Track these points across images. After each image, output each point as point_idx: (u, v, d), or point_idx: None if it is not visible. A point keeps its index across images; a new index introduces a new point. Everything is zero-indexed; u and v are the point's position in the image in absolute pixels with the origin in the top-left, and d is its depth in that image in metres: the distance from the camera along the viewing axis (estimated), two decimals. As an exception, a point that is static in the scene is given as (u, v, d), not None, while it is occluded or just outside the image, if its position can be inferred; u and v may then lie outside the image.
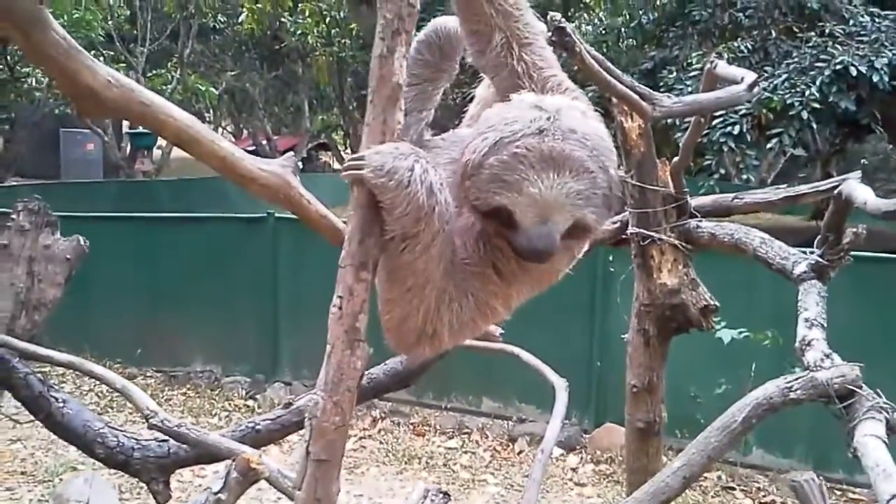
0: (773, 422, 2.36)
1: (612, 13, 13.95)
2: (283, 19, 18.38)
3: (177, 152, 22.00)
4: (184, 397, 8.64)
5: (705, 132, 7.24)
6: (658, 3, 12.76)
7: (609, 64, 1.86)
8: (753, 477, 6.90)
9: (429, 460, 7.26)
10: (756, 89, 2.10)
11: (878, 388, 2.05)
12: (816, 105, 9.67)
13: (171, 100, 1.59)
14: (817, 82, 9.77)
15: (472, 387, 8.18)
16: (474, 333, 1.74)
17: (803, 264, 2.69)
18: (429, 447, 7.55)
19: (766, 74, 9.96)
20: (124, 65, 19.45)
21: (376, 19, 1.48)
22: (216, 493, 1.96)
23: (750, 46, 10.99)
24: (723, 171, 10.31)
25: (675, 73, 11.16)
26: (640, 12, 12.92)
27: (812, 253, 2.70)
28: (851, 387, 2.05)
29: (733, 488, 6.76)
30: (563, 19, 1.72)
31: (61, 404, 3.15)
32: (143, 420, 2.76)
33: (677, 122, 9.28)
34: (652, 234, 3.52)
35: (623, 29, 13.29)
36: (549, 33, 1.74)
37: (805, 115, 9.66)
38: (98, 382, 7.01)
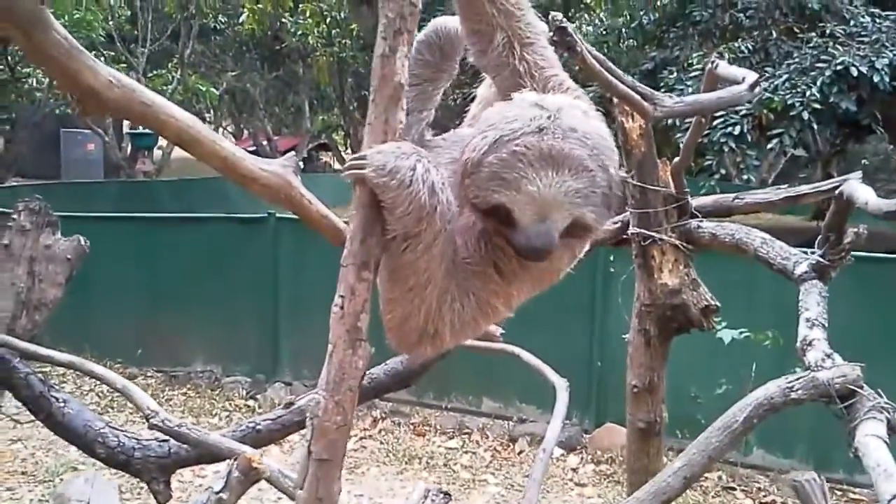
0: (773, 422, 2.36)
1: (613, 14, 13.95)
2: (283, 20, 18.40)
3: (177, 153, 22.05)
4: (184, 397, 8.64)
5: (706, 132, 7.24)
6: (659, 3, 12.77)
7: (610, 64, 1.86)
8: (754, 477, 6.90)
9: (429, 460, 7.26)
10: (757, 89, 2.10)
11: (879, 389, 2.05)
12: (817, 105, 9.67)
13: (172, 100, 1.59)
14: (818, 83, 9.77)
15: (473, 387, 8.18)
16: (476, 333, 1.74)
17: (804, 264, 2.69)
18: (429, 447, 7.55)
19: (766, 75, 9.95)
20: (125, 65, 19.46)
21: (377, 20, 1.48)
22: (217, 493, 1.96)
23: (751, 47, 11.00)
24: (723, 172, 10.31)
25: (675, 74, 11.15)
26: (641, 13, 12.93)
27: (813, 253, 2.70)
28: (852, 387, 2.05)
29: (734, 488, 6.76)
30: (565, 19, 1.72)
31: (62, 404, 3.15)
32: (144, 420, 2.76)
33: (678, 123, 9.29)
34: (653, 234, 3.52)
35: (624, 29, 13.30)
36: (551, 33, 1.74)
37: (806, 115, 9.66)
38: (98, 382, 7.02)
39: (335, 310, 1.50)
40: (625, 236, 3.67)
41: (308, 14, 17.38)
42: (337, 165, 28.34)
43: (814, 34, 10.78)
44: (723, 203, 3.57)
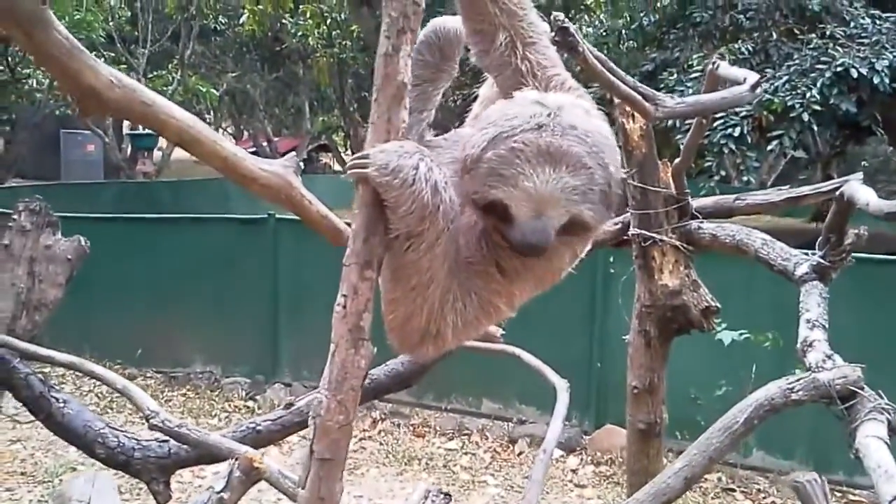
0: (773, 423, 2.36)
1: (613, 15, 13.97)
2: (283, 21, 18.42)
3: (177, 153, 22.10)
4: (183, 398, 8.64)
5: (706, 134, 7.24)
6: (659, 4, 12.78)
7: (612, 64, 1.86)
8: (754, 478, 6.90)
9: (429, 461, 7.25)
10: (759, 90, 2.11)
11: (879, 390, 2.06)
12: (817, 107, 9.68)
13: (172, 101, 1.58)
14: (818, 84, 9.78)
15: (473, 388, 8.17)
16: (478, 332, 1.73)
17: (805, 265, 2.70)
18: (429, 448, 7.55)
19: (766, 76, 9.96)
20: (125, 66, 19.46)
21: (377, 21, 1.49)
22: (219, 493, 1.96)
23: (751, 48, 11.01)
24: (723, 173, 10.32)
25: (675, 75, 11.17)
26: (641, 14, 12.95)
27: (814, 254, 2.70)
28: (853, 388, 2.05)
29: (734, 490, 6.75)
30: (566, 20, 1.72)
31: (62, 404, 3.15)
32: (144, 420, 2.76)
33: (678, 124, 9.30)
34: (653, 235, 3.53)
35: (624, 31, 13.32)
36: (553, 33, 1.74)
37: (806, 116, 9.67)
38: (98, 383, 7.01)
39: (338, 309, 1.50)
40: (625, 237, 3.68)
41: (308, 15, 17.40)
42: (337, 167, 28.34)
43: (814, 36, 10.80)
44: (723, 204, 3.58)
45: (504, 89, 1.72)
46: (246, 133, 31.67)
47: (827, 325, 2.40)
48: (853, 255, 2.68)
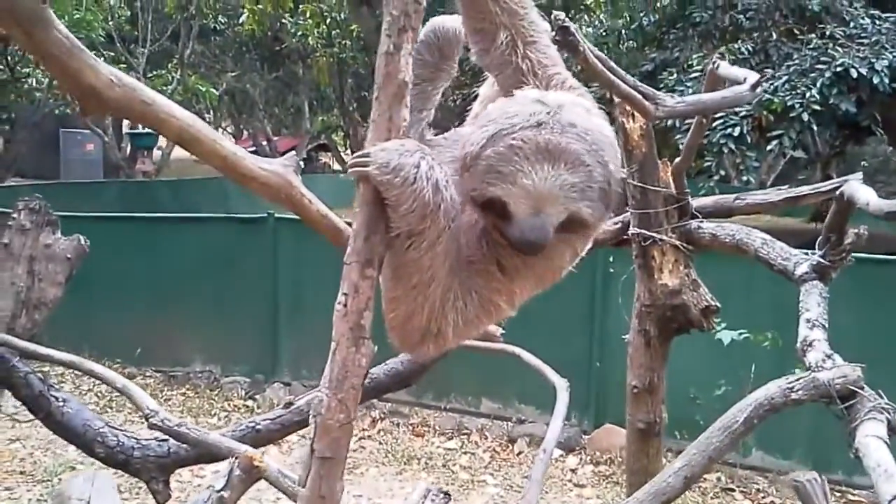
0: (772, 423, 2.36)
1: (613, 15, 13.97)
2: (283, 20, 18.41)
3: (177, 153, 22.10)
4: (183, 397, 8.64)
5: (706, 134, 7.25)
6: (659, 4, 12.78)
7: (612, 63, 1.86)
8: (753, 478, 6.90)
9: (428, 461, 7.25)
10: (759, 89, 2.11)
11: (879, 389, 2.06)
12: (817, 107, 9.68)
13: (172, 100, 1.58)
14: (818, 84, 9.79)
15: (472, 388, 8.18)
16: (478, 331, 1.73)
17: (805, 265, 2.70)
18: (428, 448, 7.55)
19: (767, 76, 9.95)
20: (125, 65, 19.42)
21: (377, 21, 1.49)
22: (219, 491, 1.96)
23: (750, 48, 11.02)
24: (723, 173, 10.32)
25: (675, 75, 11.17)
26: (641, 14, 12.94)
27: (813, 254, 2.70)
28: (853, 387, 2.05)
29: (733, 490, 6.76)
30: (567, 19, 1.72)
31: (61, 403, 3.15)
32: (143, 420, 2.76)
33: (677, 124, 9.30)
34: (653, 234, 3.53)
35: (624, 31, 13.32)
36: (553, 33, 1.74)
37: (805, 116, 9.67)
38: (97, 382, 7.01)
39: (338, 307, 1.50)
40: (625, 237, 3.68)
41: (308, 15, 17.38)
42: (336, 166, 28.32)
43: (814, 36, 10.80)
44: (723, 204, 3.58)
45: (505, 88, 1.72)
46: (245, 132, 31.66)
47: (827, 325, 2.40)
48: (853, 254, 2.68)
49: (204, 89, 19.74)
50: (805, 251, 2.83)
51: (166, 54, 22.26)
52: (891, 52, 9.90)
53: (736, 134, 9.76)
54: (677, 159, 3.60)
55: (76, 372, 6.18)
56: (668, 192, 3.56)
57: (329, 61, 18.29)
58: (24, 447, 7.09)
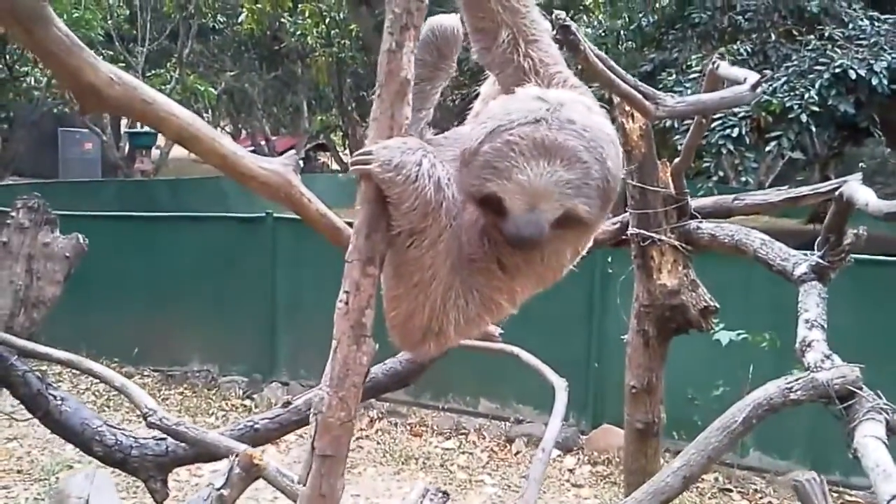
0: (770, 424, 2.36)
1: (612, 15, 13.95)
2: (282, 20, 18.40)
3: (175, 152, 22.11)
4: (181, 397, 8.63)
5: (704, 134, 7.26)
6: (657, 5, 12.77)
7: (612, 63, 1.86)
8: (751, 479, 6.90)
9: (426, 461, 7.25)
10: (759, 89, 2.11)
11: (878, 390, 2.06)
12: (815, 108, 9.68)
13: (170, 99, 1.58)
14: (816, 85, 9.79)
15: (470, 387, 8.18)
16: (479, 330, 1.73)
17: (804, 266, 2.70)
18: (426, 448, 7.55)
19: (766, 76, 9.96)
20: (123, 64, 19.41)
21: (376, 20, 1.49)
22: (218, 489, 1.96)
23: (749, 49, 11.02)
24: (721, 174, 10.32)
25: (674, 76, 11.17)
26: (640, 15, 12.93)
27: (812, 254, 2.70)
28: (852, 388, 2.05)
29: (730, 490, 6.76)
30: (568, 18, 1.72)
31: (59, 402, 3.15)
32: (141, 419, 2.76)
33: (676, 125, 9.31)
34: (652, 234, 3.53)
35: (622, 31, 13.29)
36: (554, 31, 1.74)
37: (804, 117, 9.67)
38: (95, 381, 7.00)
39: (340, 305, 1.50)
40: (624, 237, 3.68)
41: (307, 14, 17.38)
42: (335, 166, 28.32)
43: (812, 37, 10.80)
44: (722, 204, 3.58)
45: (506, 87, 1.71)
46: (244, 132, 31.67)
47: (825, 325, 2.40)
48: (852, 255, 2.68)
49: (202, 88, 19.75)
50: (803, 252, 2.83)
51: (165, 53, 22.26)
52: (889, 54, 9.90)
53: (734, 135, 9.76)
54: (676, 160, 3.60)
55: (74, 371, 6.17)
56: (667, 192, 3.56)
57: (328, 61, 18.30)
58: (22, 446, 7.09)
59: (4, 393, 3.30)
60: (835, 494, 6.40)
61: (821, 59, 10.12)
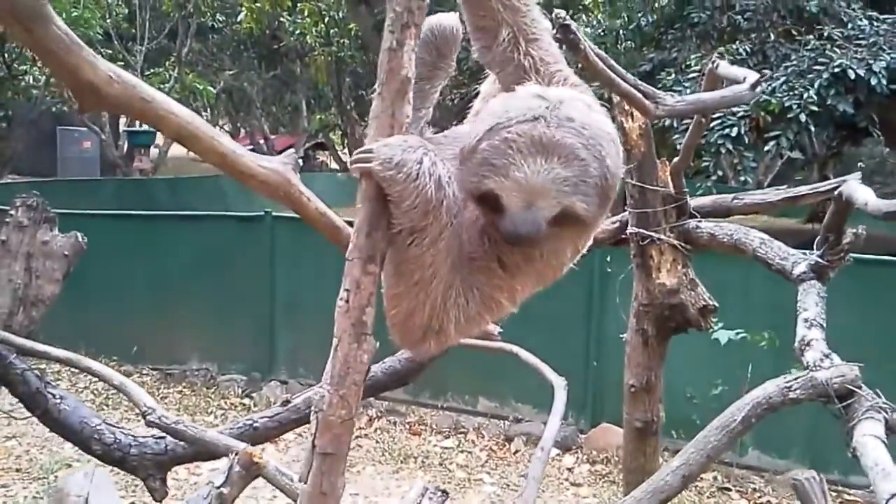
0: (769, 423, 2.36)
1: (611, 15, 13.95)
2: (281, 19, 18.39)
3: (174, 151, 22.10)
4: (179, 395, 8.63)
5: (703, 134, 7.27)
6: (657, 5, 12.78)
7: (612, 62, 1.86)
8: (749, 478, 6.91)
9: (425, 459, 7.26)
10: (759, 88, 2.11)
11: (877, 389, 2.06)
12: (814, 108, 9.69)
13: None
14: (815, 85, 9.80)
15: (469, 386, 8.18)
16: (480, 328, 1.73)
17: (803, 265, 2.70)
18: (425, 446, 7.55)
19: (766, 76, 9.96)
20: (122, 63, 19.39)
21: (375, 19, 1.49)
22: (218, 487, 1.96)
23: (748, 49, 11.03)
24: (720, 173, 10.34)
25: (673, 76, 11.18)
26: (639, 14, 12.93)
27: (811, 254, 2.70)
28: (851, 387, 2.05)
29: (729, 489, 6.76)
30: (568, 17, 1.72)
31: (58, 400, 3.15)
32: (140, 418, 2.76)
33: (675, 124, 9.31)
34: (651, 234, 3.53)
35: (622, 31, 13.29)
36: (555, 30, 1.74)
37: (803, 117, 9.69)
38: (94, 380, 7.00)
39: (340, 303, 1.50)
40: (623, 236, 3.68)
41: (306, 13, 17.37)
42: (334, 165, 28.31)
43: (811, 37, 10.81)
44: (722, 203, 3.58)
45: (506, 86, 1.71)
46: (243, 131, 31.64)
47: (825, 325, 2.40)
48: (851, 254, 2.68)
49: (201, 87, 19.74)
50: (803, 251, 2.83)
51: (164, 52, 22.25)
52: (888, 54, 9.91)
53: (734, 134, 9.77)
54: (676, 159, 3.60)
55: (73, 369, 6.18)
56: (666, 191, 3.56)
57: (327, 60, 18.28)
58: (21, 444, 7.09)
59: (3, 391, 3.30)
60: (834, 493, 6.40)
61: (820, 59, 10.13)
